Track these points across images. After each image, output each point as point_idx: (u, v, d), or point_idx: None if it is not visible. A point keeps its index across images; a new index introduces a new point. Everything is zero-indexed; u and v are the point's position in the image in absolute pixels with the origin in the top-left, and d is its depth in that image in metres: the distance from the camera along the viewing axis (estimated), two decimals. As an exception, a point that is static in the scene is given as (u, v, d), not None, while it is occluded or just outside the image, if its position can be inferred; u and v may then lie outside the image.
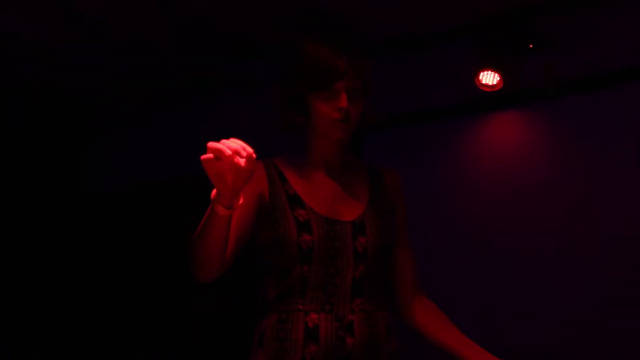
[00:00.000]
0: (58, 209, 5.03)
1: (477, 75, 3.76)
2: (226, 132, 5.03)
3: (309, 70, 1.95)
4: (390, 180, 2.12)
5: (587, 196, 3.60)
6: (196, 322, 4.46)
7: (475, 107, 3.96)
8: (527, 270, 3.66)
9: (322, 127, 1.98)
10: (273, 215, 1.96)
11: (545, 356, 3.50)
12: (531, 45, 3.71)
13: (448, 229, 3.89)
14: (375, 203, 2.04)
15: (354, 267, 1.94)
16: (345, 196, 2.02)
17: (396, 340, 2.00)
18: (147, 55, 4.35)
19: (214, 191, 1.68)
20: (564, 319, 3.52)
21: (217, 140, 1.62)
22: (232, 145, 1.59)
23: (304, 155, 2.07)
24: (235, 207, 1.69)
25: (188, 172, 4.71)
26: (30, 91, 4.73)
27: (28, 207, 4.95)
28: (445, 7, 3.75)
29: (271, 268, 1.98)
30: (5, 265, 4.77)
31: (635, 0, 3.54)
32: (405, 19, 3.87)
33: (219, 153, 1.57)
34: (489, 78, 3.76)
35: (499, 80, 3.75)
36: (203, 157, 1.58)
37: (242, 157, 1.58)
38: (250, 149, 1.60)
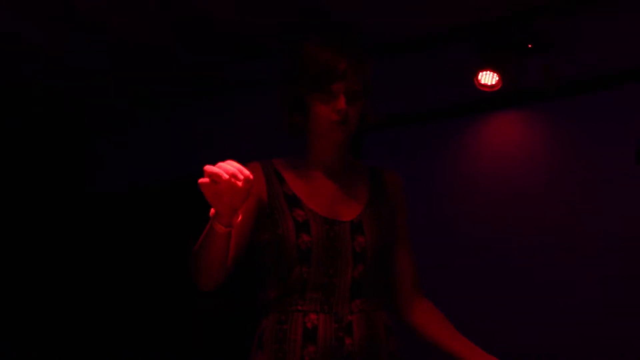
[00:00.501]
0: (58, 209, 5.03)
1: (477, 75, 3.77)
2: (227, 133, 5.03)
3: (308, 72, 1.95)
4: (390, 181, 2.12)
5: (587, 196, 3.60)
6: (197, 323, 4.46)
7: (474, 107, 3.96)
8: (526, 270, 3.66)
9: (321, 129, 1.98)
10: (272, 216, 1.96)
11: (545, 356, 3.50)
12: (530, 46, 3.72)
13: (448, 229, 3.90)
14: (375, 203, 2.04)
15: (353, 267, 1.94)
16: (345, 197, 2.02)
17: (395, 341, 2.00)
18: (148, 56, 4.36)
19: (213, 210, 1.69)
20: (564, 319, 3.53)
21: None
22: (229, 168, 1.60)
23: (303, 156, 2.07)
24: (234, 224, 1.71)
25: (188, 173, 4.73)
26: (30, 91, 4.73)
27: (28, 207, 4.96)
28: (445, 8, 3.75)
29: (270, 269, 1.98)
30: (5, 266, 4.77)
31: (635, 1, 3.55)
32: (405, 19, 3.87)
33: (216, 177, 1.58)
34: (488, 78, 3.77)
35: (498, 80, 3.76)
36: (200, 180, 1.60)
37: (239, 179, 1.59)
38: (247, 172, 1.61)
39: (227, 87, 4.67)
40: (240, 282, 1.95)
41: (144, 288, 4.76)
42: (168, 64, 4.47)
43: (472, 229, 3.85)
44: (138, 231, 4.89)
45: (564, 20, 3.72)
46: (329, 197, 2.01)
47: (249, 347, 1.99)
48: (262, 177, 2.01)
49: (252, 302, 2.03)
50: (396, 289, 2.08)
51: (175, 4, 3.81)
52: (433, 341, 2.01)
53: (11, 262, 4.80)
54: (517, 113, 3.92)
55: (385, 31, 4.00)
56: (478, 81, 3.78)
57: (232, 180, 1.59)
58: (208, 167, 1.59)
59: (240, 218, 1.72)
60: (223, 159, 1.64)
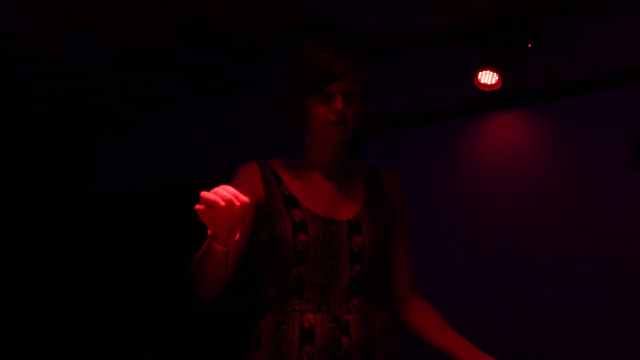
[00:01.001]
0: (58, 210, 5.03)
1: (476, 75, 3.77)
2: (227, 133, 5.03)
3: (306, 72, 1.95)
4: (388, 181, 2.12)
5: (586, 196, 3.61)
6: (195, 323, 4.46)
7: (474, 107, 3.96)
8: (526, 270, 3.67)
9: (318, 129, 1.99)
10: (269, 216, 1.97)
11: (544, 356, 3.50)
12: (530, 45, 3.72)
13: (447, 228, 3.90)
14: (373, 203, 2.04)
15: (350, 266, 1.94)
16: (342, 197, 2.02)
17: (393, 341, 2.00)
18: (148, 56, 4.36)
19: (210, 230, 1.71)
20: (564, 319, 3.53)
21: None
22: (225, 195, 1.60)
23: (301, 157, 2.07)
24: (231, 243, 1.73)
25: (188, 173, 4.76)
26: (30, 92, 4.73)
27: (29, 208, 4.96)
28: (445, 7, 3.75)
29: (268, 268, 1.99)
30: (5, 266, 4.77)
31: (635, 1, 3.55)
32: (405, 19, 3.88)
33: (212, 204, 1.59)
34: (488, 77, 3.77)
35: (498, 80, 3.76)
36: (197, 207, 1.61)
37: (235, 205, 1.60)
38: (243, 197, 1.62)
39: (228, 88, 4.68)
40: (238, 282, 1.95)
41: (143, 288, 4.77)
42: (168, 64, 4.48)
43: (471, 229, 3.85)
44: (138, 231, 4.89)
45: (564, 20, 3.72)
46: (326, 197, 2.01)
47: (247, 347, 2.00)
48: (260, 177, 2.01)
49: (250, 302, 2.03)
50: (393, 289, 2.08)
51: (175, 4, 3.81)
52: (430, 341, 2.02)
53: (11, 263, 4.81)
54: (517, 113, 3.92)
55: (385, 31, 4.01)
56: (478, 81, 3.78)
57: (229, 206, 1.59)
58: (204, 194, 1.60)
59: (237, 236, 1.73)
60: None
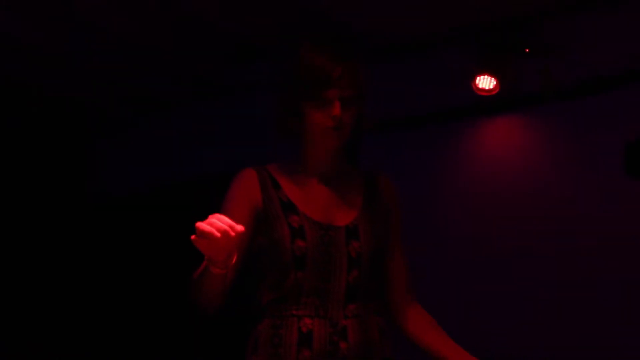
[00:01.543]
0: (58, 211, 5.02)
1: (474, 79, 3.78)
2: (226, 134, 5.01)
3: (303, 78, 1.95)
4: (384, 186, 2.12)
5: (585, 199, 3.62)
6: (193, 326, 4.45)
7: (472, 111, 3.97)
8: (526, 274, 3.67)
9: (315, 135, 1.99)
10: (267, 221, 1.97)
11: (544, 357, 3.52)
12: (528, 50, 3.72)
13: (445, 232, 3.91)
14: (369, 209, 2.05)
15: (348, 272, 1.95)
16: (339, 202, 2.03)
17: (390, 346, 2.00)
18: (147, 58, 4.36)
19: None
20: (564, 320, 3.54)
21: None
22: (220, 225, 1.60)
23: (298, 162, 2.07)
24: (229, 266, 1.73)
25: (188, 174, 4.75)
26: (30, 92, 4.72)
27: (28, 210, 4.95)
28: (443, 12, 3.76)
29: (266, 274, 1.99)
30: (4, 269, 4.77)
31: (634, 5, 3.56)
32: (403, 22, 3.88)
33: (208, 236, 1.59)
34: (485, 82, 3.78)
35: (496, 85, 3.77)
36: (193, 237, 1.61)
37: (231, 235, 1.60)
38: (238, 227, 1.62)
39: (227, 88, 4.67)
40: (235, 286, 1.96)
41: (143, 290, 4.76)
42: (168, 67, 4.48)
43: (469, 232, 3.86)
44: (138, 233, 4.88)
45: (562, 24, 3.73)
46: (324, 203, 2.02)
47: (244, 351, 2.00)
48: (257, 184, 2.01)
49: (247, 306, 2.04)
50: (389, 295, 2.08)
51: (175, 6, 3.81)
52: (424, 347, 2.02)
53: (11, 264, 4.80)
54: (515, 117, 3.93)
55: (383, 35, 4.01)
56: (476, 85, 3.79)
57: (224, 236, 1.60)
58: (199, 225, 1.60)
59: (235, 259, 1.74)
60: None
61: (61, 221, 5.01)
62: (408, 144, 4.06)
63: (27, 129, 5.01)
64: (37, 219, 4.95)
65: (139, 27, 4.03)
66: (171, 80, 4.65)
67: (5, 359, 4.59)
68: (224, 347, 4.20)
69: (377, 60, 3.99)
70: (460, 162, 3.99)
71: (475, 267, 3.78)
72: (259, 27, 4.01)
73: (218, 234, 1.59)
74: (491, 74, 3.76)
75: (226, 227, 1.60)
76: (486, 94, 3.81)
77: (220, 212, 1.96)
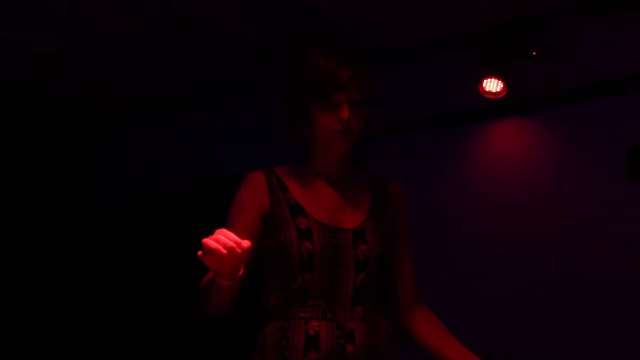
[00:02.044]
0: (61, 215, 5.02)
1: (481, 82, 3.78)
2: (232, 138, 5.01)
3: (311, 81, 1.95)
4: (392, 190, 2.12)
5: (587, 202, 3.62)
6: (199, 328, 4.46)
7: (479, 115, 3.97)
8: (531, 276, 3.68)
9: (323, 138, 1.99)
10: (275, 224, 1.97)
11: (544, 357, 3.52)
12: (535, 53, 3.73)
13: (452, 235, 3.91)
14: (377, 212, 2.05)
15: (355, 274, 1.95)
16: (347, 205, 2.03)
17: (397, 349, 2.00)
18: (152, 62, 4.36)
19: None
20: (565, 321, 3.55)
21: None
22: (226, 242, 1.59)
23: (306, 165, 2.08)
24: (236, 278, 1.73)
25: (193, 179, 4.75)
26: (31, 95, 4.72)
27: (28, 211, 4.95)
28: (450, 15, 3.77)
29: (273, 276, 2.00)
30: (7, 272, 4.77)
31: (638, 9, 3.56)
32: (410, 26, 3.89)
33: (214, 252, 1.59)
34: (492, 85, 3.78)
35: (503, 88, 3.77)
36: (200, 253, 1.61)
37: (237, 251, 1.60)
38: (244, 243, 1.61)
39: (233, 92, 4.68)
40: (244, 287, 1.96)
41: (148, 292, 4.76)
42: (173, 71, 4.48)
43: (476, 236, 3.86)
44: (142, 236, 4.89)
45: (569, 28, 3.73)
46: (331, 205, 2.02)
47: (250, 353, 2.01)
48: (265, 186, 2.02)
49: (254, 308, 2.04)
50: (396, 298, 2.08)
51: (179, 11, 3.82)
52: (432, 350, 2.02)
53: (13, 265, 4.81)
54: (521, 120, 3.93)
55: (390, 38, 4.02)
56: (483, 88, 3.79)
57: (230, 252, 1.59)
58: (206, 241, 1.59)
59: (242, 271, 1.73)
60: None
61: (61, 221, 5.01)
62: (415, 146, 4.07)
63: (27, 129, 5.00)
64: (37, 219, 4.95)
65: (143, 33, 4.05)
66: (176, 84, 4.65)
67: (5, 359, 4.60)
68: (230, 349, 4.20)
69: (385, 63, 4.00)
70: (467, 165, 4.00)
71: (480, 268, 3.79)
72: (264, 31, 4.02)
73: (224, 251, 1.58)
74: (498, 77, 3.76)
75: (232, 244, 1.59)
76: (493, 97, 3.81)
77: (228, 216, 1.99)
